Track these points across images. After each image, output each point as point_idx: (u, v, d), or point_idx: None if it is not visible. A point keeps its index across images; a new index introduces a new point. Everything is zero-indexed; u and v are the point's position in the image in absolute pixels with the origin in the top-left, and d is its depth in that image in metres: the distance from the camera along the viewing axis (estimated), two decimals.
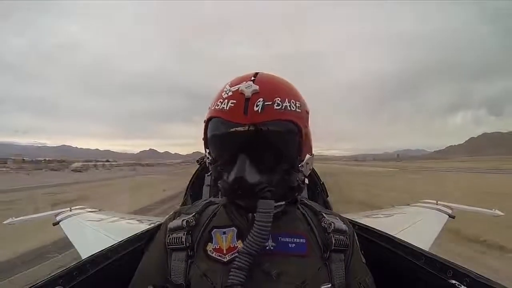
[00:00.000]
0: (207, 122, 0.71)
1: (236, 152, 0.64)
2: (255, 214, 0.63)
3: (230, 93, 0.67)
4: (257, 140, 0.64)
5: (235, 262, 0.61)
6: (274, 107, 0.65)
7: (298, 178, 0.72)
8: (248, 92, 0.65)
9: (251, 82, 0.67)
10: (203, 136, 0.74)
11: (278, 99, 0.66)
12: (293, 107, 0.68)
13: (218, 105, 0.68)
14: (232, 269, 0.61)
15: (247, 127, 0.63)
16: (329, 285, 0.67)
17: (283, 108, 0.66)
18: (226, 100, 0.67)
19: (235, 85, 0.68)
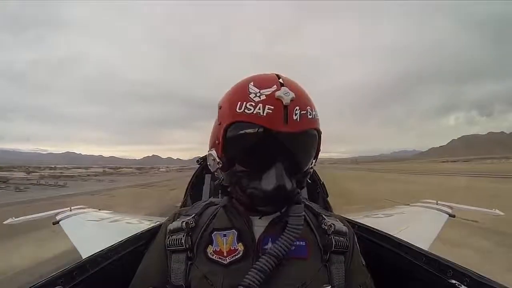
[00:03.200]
0: (229, 125, 0.65)
1: (270, 160, 0.62)
2: (287, 219, 0.65)
3: (263, 97, 0.63)
4: (293, 148, 0.63)
5: (258, 263, 0.61)
6: (307, 116, 0.64)
7: (307, 179, 0.74)
8: (287, 100, 0.62)
9: (286, 88, 0.64)
10: (220, 139, 0.68)
11: (309, 108, 0.65)
12: (317, 116, 0.68)
13: (250, 109, 0.62)
14: (252, 269, 0.61)
15: (288, 136, 0.62)
16: (329, 287, 0.67)
17: (312, 117, 0.66)
18: (260, 105, 0.61)
19: (264, 88, 0.64)
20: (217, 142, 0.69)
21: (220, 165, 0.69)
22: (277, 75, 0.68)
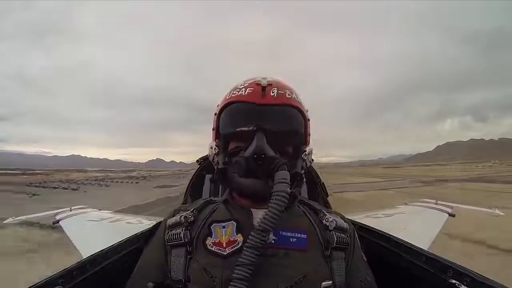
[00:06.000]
0: (221, 110, 0.78)
1: (252, 130, 0.70)
2: (272, 190, 0.64)
3: (246, 84, 0.76)
4: (272, 120, 0.71)
5: (249, 240, 0.62)
6: (286, 95, 0.74)
7: (302, 166, 0.77)
8: (264, 82, 0.74)
9: (266, 76, 0.77)
10: (213, 127, 0.80)
11: (288, 91, 0.75)
12: (299, 99, 0.78)
13: (235, 93, 0.76)
14: (244, 248, 0.62)
15: (264, 107, 0.72)
16: (330, 282, 0.67)
17: (292, 97, 0.75)
18: (243, 89, 0.75)
19: (248, 80, 0.77)
20: (213, 130, 0.80)
21: (216, 150, 0.77)
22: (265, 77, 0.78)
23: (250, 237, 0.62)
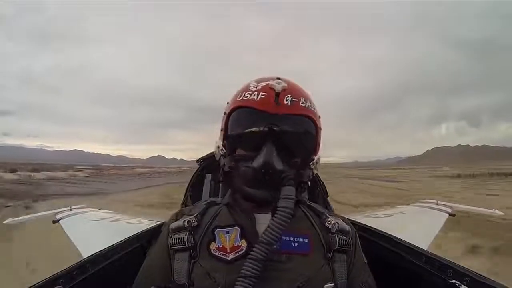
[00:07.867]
0: (231, 112, 0.74)
1: (262, 140, 0.67)
2: (277, 204, 0.64)
3: (259, 87, 0.71)
4: (284, 130, 0.68)
5: (252, 253, 0.61)
6: (300, 104, 0.70)
7: (308, 175, 0.76)
8: (278, 87, 0.69)
9: (280, 80, 0.72)
10: (222, 127, 0.77)
11: (302, 98, 0.71)
12: (313, 108, 0.74)
13: (247, 96, 0.71)
14: (248, 259, 0.61)
15: (277, 116, 0.68)
16: (332, 285, 0.67)
17: (306, 106, 0.72)
18: (256, 92, 0.71)
19: (262, 82, 0.72)
20: (221, 130, 0.77)
21: (223, 151, 0.75)
22: (278, 77, 0.74)
23: (254, 249, 0.62)
